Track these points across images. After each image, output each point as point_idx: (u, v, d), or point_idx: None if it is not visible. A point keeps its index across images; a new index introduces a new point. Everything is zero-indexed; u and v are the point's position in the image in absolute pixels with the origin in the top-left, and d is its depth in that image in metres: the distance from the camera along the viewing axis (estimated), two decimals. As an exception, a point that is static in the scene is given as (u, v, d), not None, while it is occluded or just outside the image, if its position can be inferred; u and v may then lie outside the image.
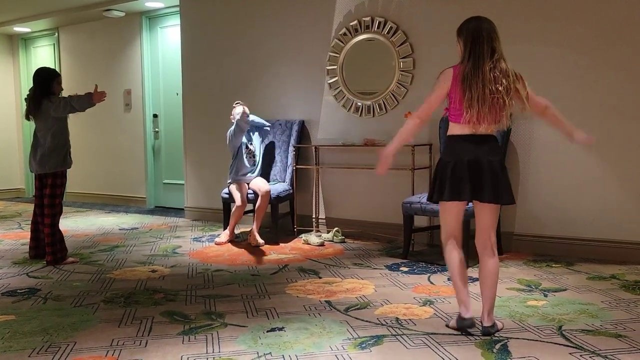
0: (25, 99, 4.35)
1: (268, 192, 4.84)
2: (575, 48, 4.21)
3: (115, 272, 3.96)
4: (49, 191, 4.20)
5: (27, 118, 4.32)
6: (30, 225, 4.39)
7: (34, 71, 4.35)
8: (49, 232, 4.20)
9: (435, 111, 2.75)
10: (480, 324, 2.68)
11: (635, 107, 4.05)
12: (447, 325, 2.77)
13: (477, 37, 2.60)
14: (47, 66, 4.58)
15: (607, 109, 4.14)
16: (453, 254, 2.72)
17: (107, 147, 7.89)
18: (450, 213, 2.72)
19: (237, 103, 5.04)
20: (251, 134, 5.16)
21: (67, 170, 4.31)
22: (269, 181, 5.25)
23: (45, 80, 4.23)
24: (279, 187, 5.10)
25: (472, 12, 4.55)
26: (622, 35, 4.06)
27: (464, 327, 2.67)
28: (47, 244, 4.22)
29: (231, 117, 5.05)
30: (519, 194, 4.47)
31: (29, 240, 4.44)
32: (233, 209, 4.99)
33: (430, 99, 2.69)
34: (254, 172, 5.08)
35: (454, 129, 2.67)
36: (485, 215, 2.67)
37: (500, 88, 2.53)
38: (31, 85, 4.29)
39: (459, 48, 2.70)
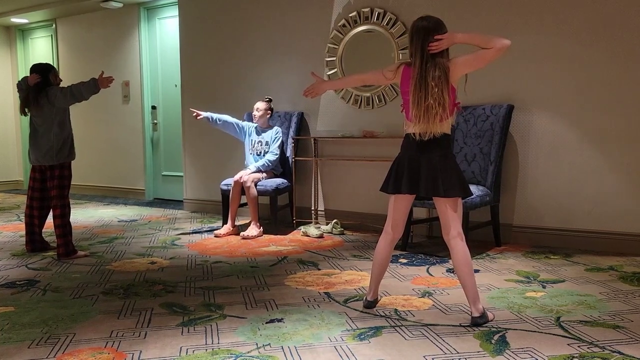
0: (21, 94, 4.25)
1: (243, 182, 4.89)
2: (572, 39, 4.20)
3: (115, 264, 3.97)
4: (57, 182, 4.14)
5: (24, 113, 4.23)
6: (24, 219, 4.35)
7: (31, 64, 4.31)
8: (60, 223, 4.13)
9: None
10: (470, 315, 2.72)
11: (633, 98, 4.05)
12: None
13: (415, 38, 2.67)
14: (42, 62, 4.54)
15: (605, 100, 4.14)
16: (382, 242, 2.90)
17: (105, 139, 7.88)
18: (392, 204, 2.86)
19: (266, 99, 5.23)
20: (262, 135, 5.19)
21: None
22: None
23: (43, 72, 4.19)
24: (276, 180, 5.11)
25: (470, 3, 4.59)
26: (619, 27, 4.05)
27: (365, 305, 2.95)
28: (58, 235, 4.14)
29: (253, 113, 5.18)
30: (517, 185, 4.48)
31: (24, 234, 4.40)
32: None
33: (377, 76, 2.99)
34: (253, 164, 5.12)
35: (406, 128, 2.83)
36: (439, 207, 2.74)
37: (430, 100, 2.61)
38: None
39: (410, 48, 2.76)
